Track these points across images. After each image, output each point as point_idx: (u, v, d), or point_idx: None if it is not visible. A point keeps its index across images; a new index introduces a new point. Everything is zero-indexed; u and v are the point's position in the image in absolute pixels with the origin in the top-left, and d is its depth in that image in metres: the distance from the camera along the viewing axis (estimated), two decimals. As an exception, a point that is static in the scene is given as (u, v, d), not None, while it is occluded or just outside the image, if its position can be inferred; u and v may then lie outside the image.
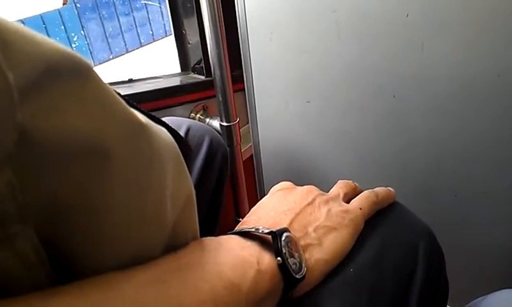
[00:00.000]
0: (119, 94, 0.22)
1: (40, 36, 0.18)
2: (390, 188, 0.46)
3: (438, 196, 0.70)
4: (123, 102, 0.22)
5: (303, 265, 0.33)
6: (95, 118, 0.20)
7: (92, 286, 0.20)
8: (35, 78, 0.17)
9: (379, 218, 0.42)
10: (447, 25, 0.56)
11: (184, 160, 0.28)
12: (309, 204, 0.39)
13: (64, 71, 0.19)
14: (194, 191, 0.30)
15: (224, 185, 0.72)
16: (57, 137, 0.18)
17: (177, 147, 0.27)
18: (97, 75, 0.21)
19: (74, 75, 0.19)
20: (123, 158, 0.21)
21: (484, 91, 0.57)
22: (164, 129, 0.27)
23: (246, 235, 0.33)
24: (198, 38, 0.99)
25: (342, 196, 0.43)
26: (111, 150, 0.20)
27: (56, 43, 0.19)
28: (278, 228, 0.33)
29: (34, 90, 0.17)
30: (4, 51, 0.16)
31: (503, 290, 0.40)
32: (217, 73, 0.80)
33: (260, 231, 0.32)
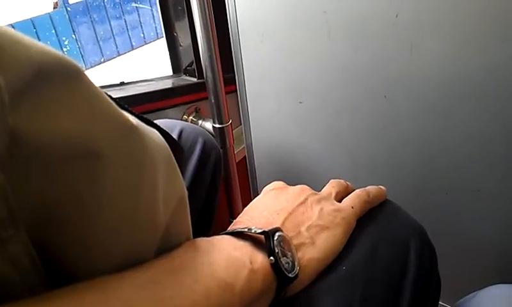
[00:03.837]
0: (110, 96, 0.23)
1: (29, 40, 0.18)
2: (381, 186, 0.46)
3: (429, 194, 0.71)
4: (114, 104, 0.22)
5: (296, 264, 0.33)
6: (85, 120, 0.20)
7: (87, 289, 0.20)
8: (25, 81, 0.17)
9: (371, 216, 0.43)
10: (436, 26, 0.57)
11: (175, 162, 0.28)
12: (301, 203, 0.39)
13: (54, 74, 0.19)
14: (186, 192, 0.30)
15: (218, 186, 0.72)
16: (49, 140, 0.18)
17: (169, 148, 0.27)
18: (87, 78, 0.21)
19: (64, 78, 0.19)
20: (114, 160, 0.21)
21: (474, 90, 0.58)
22: (155, 131, 0.27)
23: (238, 235, 0.33)
24: (189, 41, 0.99)
25: (334, 195, 0.43)
26: (102, 152, 0.20)
27: (45, 46, 0.19)
28: (271, 227, 0.33)
29: (25, 93, 0.17)
30: None
31: (494, 286, 0.41)
32: (209, 75, 0.80)
33: (253, 231, 0.33)
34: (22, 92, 0.17)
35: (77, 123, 0.19)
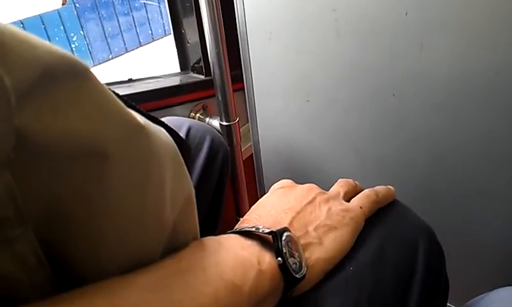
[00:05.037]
0: (117, 95, 0.22)
1: (36, 39, 0.18)
2: (390, 186, 0.46)
3: (438, 194, 0.70)
4: (121, 103, 0.22)
5: (303, 264, 0.33)
6: (93, 120, 0.19)
7: (95, 293, 0.20)
8: (32, 81, 0.17)
9: (379, 216, 0.42)
10: (446, 24, 0.56)
11: (183, 160, 0.28)
12: (309, 203, 0.39)
13: (62, 74, 0.19)
14: (193, 191, 0.30)
15: (225, 184, 0.72)
16: (56, 140, 0.18)
17: (176, 147, 0.27)
18: (94, 77, 0.21)
19: (71, 77, 0.19)
20: (122, 160, 0.21)
21: (484, 89, 0.57)
22: (162, 129, 0.27)
23: (246, 234, 0.33)
24: (197, 38, 0.99)
25: (342, 194, 0.43)
26: (109, 152, 0.20)
27: (52, 45, 0.19)
28: (279, 227, 0.33)
29: (32, 93, 0.17)
30: (0, 55, 0.16)
31: (504, 288, 0.40)
32: (216, 72, 0.80)
33: (261, 230, 0.32)
34: (29, 92, 0.17)
35: (85, 122, 0.19)
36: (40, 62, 0.17)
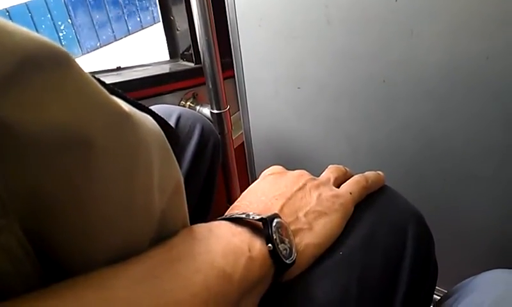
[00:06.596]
0: (102, 82, 0.22)
1: (14, 26, 0.17)
2: (379, 172, 0.46)
3: (427, 180, 0.71)
4: (105, 91, 0.21)
5: (293, 250, 0.33)
6: (76, 109, 0.19)
7: (84, 285, 0.20)
8: (10, 70, 0.16)
9: (368, 202, 0.43)
10: (435, 10, 0.56)
11: (170, 148, 0.28)
12: (300, 189, 0.39)
13: (43, 62, 0.18)
14: (182, 178, 0.30)
15: (217, 172, 0.72)
16: (39, 129, 0.17)
17: (163, 135, 0.27)
18: (77, 65, 0.20)
19: (53, 65, 0.19)
20: (108, 149, 0.20)
21: (473, 75, 0.57)
22: (149, 117, 0.26)
23: (236, 220, 0.33)
24: (186, 25, 0.98)
25: (332, 180, 0.43)
26: (95, 141, 0.20)
27: (31, 32, 0.18)
28: (269, 213, 0.33)
29: (12, 82, 0.17)
30: None
31: (491, 270, 0.41)
32: (206, 60, 0.80)
33: (251, 217, 0.32)
34: (8, 81, 0.16)
35: (68, 111, 0.19)
36: (18, 49, 0.17)
